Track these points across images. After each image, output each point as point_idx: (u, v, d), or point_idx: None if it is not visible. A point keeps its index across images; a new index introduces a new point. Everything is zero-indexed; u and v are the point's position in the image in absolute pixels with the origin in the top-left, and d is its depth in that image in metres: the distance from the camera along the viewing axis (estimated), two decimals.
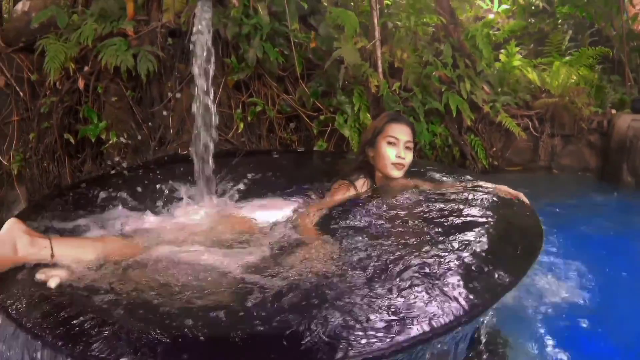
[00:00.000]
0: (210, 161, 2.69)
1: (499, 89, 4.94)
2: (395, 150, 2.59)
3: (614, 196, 4.36)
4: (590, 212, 3.90)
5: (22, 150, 4.11)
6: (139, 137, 3.93)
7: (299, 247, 1.97)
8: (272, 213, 2.42)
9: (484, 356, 1.93)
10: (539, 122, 4.93)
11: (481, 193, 2.35)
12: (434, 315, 1.35)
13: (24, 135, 4.17)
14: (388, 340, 1.26)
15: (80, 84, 4.01)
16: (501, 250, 1.80)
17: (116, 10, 4.20)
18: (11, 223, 1.82)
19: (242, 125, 3.99)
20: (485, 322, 1.86)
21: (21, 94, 4.20)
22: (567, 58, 5.35)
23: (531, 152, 4.95)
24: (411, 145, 2.64)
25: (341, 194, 2.52)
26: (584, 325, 2.25)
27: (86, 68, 4.07)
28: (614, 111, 5.12)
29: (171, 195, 2.72)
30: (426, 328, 1.31)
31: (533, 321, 2.24)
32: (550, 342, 2.12)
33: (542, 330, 2.18)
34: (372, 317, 1.35)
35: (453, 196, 2.33)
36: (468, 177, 2.86)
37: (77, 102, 4.08)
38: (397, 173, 2.62)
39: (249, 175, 3.08)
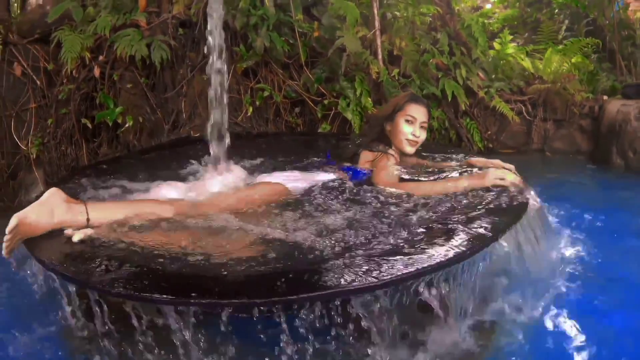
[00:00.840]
0: (227, 139, 2.95)
1: (494, 76, 5.21)
2: (412, 129, 2.82)
3: (604, 176, 4.56)
4: (581, 190, 4.16)
5: (40, 135, 4.32)
6: (154, 121, 4.18)
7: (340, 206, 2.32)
8: (299, 182, 2.62)
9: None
10: (532, 107, 5.19)
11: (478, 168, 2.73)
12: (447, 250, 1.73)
13: (42, 121, 4.38)
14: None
15: (96, 72, 4.25)
16: (494, 211, 2.12)
17: (128, 3, 4.48)
18: (51, 192, 2.05)
19: (250, 109, 4.26)
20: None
21: (38, 82, 4.40)
22: (560, 47, 5.61)
23: (525, 135, 5.22)
24: (426, 125, 2.88)
25: (385, 163, 2.72)
26: (573, 285, 2.48)
27: (101, 57, 4.31)
28: (605, 97, 5.36)
29: (192, 170, 2.98)
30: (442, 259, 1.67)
31: (523, 282, 2.50)
32: (537, 298, 2.36)
33: (530, 289, 2.44)
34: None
35: (458, 170, 2.74)
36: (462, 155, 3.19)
37: (93, 89, 4.31)
38: (409, 149, 2.86)
39: (267, 154, 3.35)
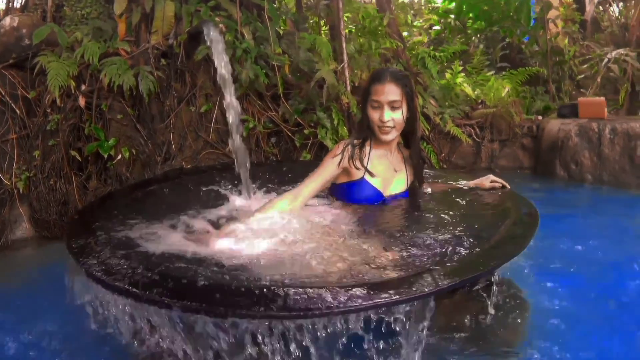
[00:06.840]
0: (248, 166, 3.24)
1: (447, 103, 6.00)
2: (378, 114, 2.58)
3: (550, 187, 5.36)
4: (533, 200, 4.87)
5: (25, 169, 4.36)
6: (147, 153, 4.48)
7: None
8: None
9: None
10: (479, 130, 6.04)
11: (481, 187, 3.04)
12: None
13: (24, 153, 4.41)
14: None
15: (82, 102, 4.42)
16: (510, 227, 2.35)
17: (108, 30, 4.68)
18: None
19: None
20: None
21: (17, 111, 4.41)
22: (504, 74, 6.55)
23: (473, 155, 6.05)
24: (398, 103, 2.57)
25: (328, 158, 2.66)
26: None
27: (84, 86, 4.45)
28: (540, 117, 6.35)
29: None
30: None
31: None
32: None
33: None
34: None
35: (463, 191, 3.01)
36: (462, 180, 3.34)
37: (79, 120, 4.46)
38: (384, 137, 2.63)
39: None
